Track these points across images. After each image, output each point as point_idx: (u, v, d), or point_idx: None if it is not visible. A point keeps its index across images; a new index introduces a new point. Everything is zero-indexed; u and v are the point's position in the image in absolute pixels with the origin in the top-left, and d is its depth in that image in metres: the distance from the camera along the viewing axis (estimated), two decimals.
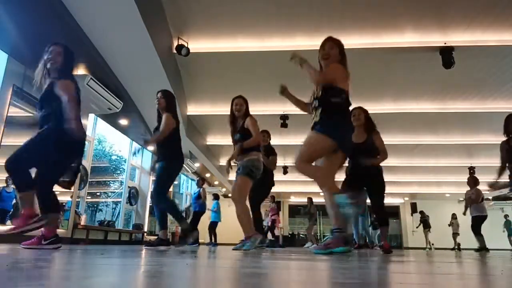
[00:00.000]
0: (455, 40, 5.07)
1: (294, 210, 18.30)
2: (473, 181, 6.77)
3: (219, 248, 6.19)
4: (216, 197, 9.73)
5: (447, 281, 1.02)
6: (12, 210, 5.20)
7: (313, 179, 2.65)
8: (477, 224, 6.47)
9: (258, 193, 4.77)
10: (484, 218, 6.50)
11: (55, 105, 2.67)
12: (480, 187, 6.76)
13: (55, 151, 2.64)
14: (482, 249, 6.35)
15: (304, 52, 5.65)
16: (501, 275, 1.33)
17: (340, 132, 2.59)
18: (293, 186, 14.64)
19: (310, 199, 10.37)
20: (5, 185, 5.20)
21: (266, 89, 6.81)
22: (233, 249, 3.63)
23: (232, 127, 3.92)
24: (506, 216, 13.18)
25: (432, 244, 13.15)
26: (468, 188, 6.84)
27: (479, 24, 4.86)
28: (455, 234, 12.07)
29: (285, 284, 0.90)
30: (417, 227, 13.80)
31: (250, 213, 3.85)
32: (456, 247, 11.90)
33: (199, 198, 8.20)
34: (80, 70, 5.17)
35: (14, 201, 5.21)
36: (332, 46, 2.80)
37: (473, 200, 6.60)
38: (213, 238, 9.13)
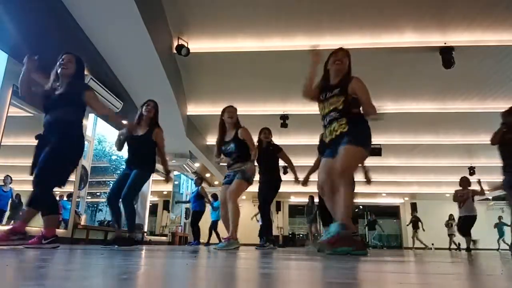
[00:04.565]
0: (455, 40, 5.08)
1: (294, 210, 18.30)
2: (467, 182, 6.93)
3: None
4: (216, 197, 9.73)
5: (447, 281, 1.02)
6: (7, 210, 5.18)
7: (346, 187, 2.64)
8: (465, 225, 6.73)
9: (269, 196, 5.03)
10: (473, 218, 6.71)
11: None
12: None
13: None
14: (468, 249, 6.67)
15: (304, 52, 5.64)
16: (500, 275, 1.33)
17: (370, 142, 2.71)
18: (293, 186, 14.64)
19: (312, 198, 10.35)
20: (2, 184, 5.18)
21: (266, 89, 6.82)
22: (215, 248, 3.83)
23: (221, 136, 4.04)
24: (500, 217, 13.10)
25: (432, 244, 13.12)
26: (459, 188, 6.96)
27: (479, 24, 4.86)
28: (451, 235, 12.02)
29: (285, 284, 0.90)
30: (407, 225, 13.83)
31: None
32: (456, 247, 11.87)
33: (200, 198, 8.22)
34: None
35: (10, 200, 5.19)
36: (345, 56, 2.83)
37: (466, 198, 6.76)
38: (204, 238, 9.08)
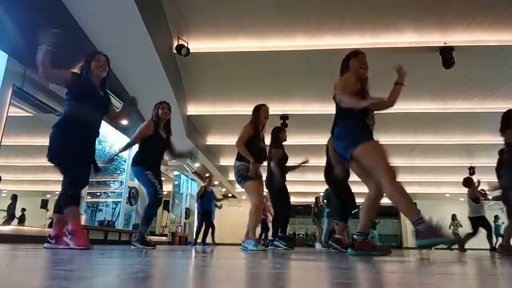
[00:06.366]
0: (455, 40, 5.08)
1: (294, 210, 18.29)
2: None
3: (221, 248, 6.19)
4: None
5: (447, 281, 1.02)
6: None
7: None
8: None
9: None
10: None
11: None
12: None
13: None
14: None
15: (304, 52, 5.63)
16: (501, 275, 1.33)
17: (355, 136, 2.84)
18: (293, 186, 14.64)
19: (318, 198, 10.33)
20: None
21: (266, 89, 6.81)
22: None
23: (259, 135, 3.99)
24: (496, 216, 13.00)
25: None
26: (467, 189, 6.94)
27: (479, 24, 4.86)
28: (455, 235, 11.98)
29: (287, 284, 0.90)
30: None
31: None
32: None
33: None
34: None
35: None
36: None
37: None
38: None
